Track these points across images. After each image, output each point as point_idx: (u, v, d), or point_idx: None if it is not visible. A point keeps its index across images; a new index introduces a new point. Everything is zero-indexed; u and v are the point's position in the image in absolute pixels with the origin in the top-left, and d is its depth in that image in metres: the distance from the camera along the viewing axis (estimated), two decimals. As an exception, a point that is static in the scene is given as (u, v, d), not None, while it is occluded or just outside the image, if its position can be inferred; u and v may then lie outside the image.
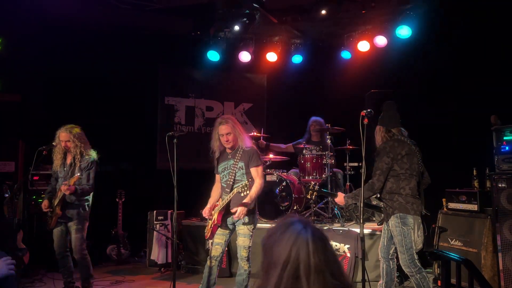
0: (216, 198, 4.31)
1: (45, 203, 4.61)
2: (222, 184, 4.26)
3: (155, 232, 6.10)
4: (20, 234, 5.18)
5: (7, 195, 5.32)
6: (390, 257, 3.97)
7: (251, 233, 4.09)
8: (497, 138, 4.56)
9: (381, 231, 4.93)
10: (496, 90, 5.36)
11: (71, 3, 5.85)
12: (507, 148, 4.45)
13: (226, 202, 4.04)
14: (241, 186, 3.89)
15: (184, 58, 7.42)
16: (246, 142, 4.23)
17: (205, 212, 4.22)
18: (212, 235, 4.15)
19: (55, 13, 6.05)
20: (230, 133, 4.14)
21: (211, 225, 4.17)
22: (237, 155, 4.18)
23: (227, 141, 4.14)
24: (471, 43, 5.76)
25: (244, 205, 3.93)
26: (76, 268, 4.75)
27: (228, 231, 4.17)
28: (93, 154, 4.74)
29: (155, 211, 6.21)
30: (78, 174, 4.48)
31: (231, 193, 4.02)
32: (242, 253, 4.07)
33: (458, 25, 5.89)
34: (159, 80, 7.61)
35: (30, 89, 6.34)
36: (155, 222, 6.15)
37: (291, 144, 6.90)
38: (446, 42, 6.10)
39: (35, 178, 5.89)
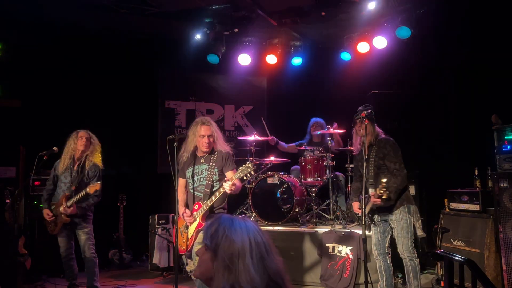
0: (185, 204, 4.13)
1: (47, 212, 4.63)
2: (193, 190, 4.05)
3: (157, 236, 6.09)
4: (22, 240, 5.17)
5: (8, 200, 5.31)
6: (386, 251, 4.23)
7: None
8: (498, 137, 4.56)
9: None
10: (497, 89, 5.35)
11: (70, 8, 5.86)
12: (508, 147, 4.45)
13: (210, 204, 3.87)
14: (241, 170, 3.66)
15: (184, 61, 7.42)
16: (224, 146, 4.07)
17: (189, 219, 3.95)
18: (191, 248, 3.94)
19: (54, 18, 6.07)
20: (211, 136, 3.97)
21: (192, 233, 3.95)
22: (212, 160, 3.99)
23: (207, 143, 3.94)
24: (471, 42, 5.76)
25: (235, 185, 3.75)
26: (81, 273, 4.77)
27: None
28: (98, 161, 4.77)
29: (156, 215, 6.20)
30: (99, 182, 4.48)
31: (217, 193, 3.82)
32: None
33: (457, 24, 5.89)
34: (159, 84, 7.62)
35: (30, 94, 6.36)
36: (156, 226, 6.15)
37: (293, 144, 6.91)
38: (446, 42, 6.10)
39: (36, 183, 5.89)
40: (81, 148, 4.70)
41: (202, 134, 3.95)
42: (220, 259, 1.55)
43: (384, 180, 3.77)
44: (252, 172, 3.62)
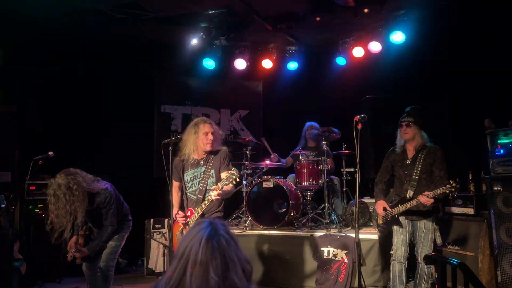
0: (179, 206, 4.08)
1: (73, 239, 4.01)
2: (190, 194, 4.01)
3: (152, 241, 6.09)
4: (17, 245, 5.15)
5: (3, 205, 5.30)
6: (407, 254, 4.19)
7: None
8: (491, 141, 4.59)
9: (378, 236, 4.97)
10: (490, 93, 5.39)
11: (68, 13, 5.87)
12: (501, 151, 4.47)
13: (201, 212, 3.83)
14: (226, 177, 3.56)
15: (180, 66, 7.45)
16: (219, 146, 3.99)
17: (182, 219, 3.88)
18: None
19: (51, 23, 6.08)
20: (214, 133, 3.88)
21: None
22: (209, 161, 3.91)
23: (211, 140, 3.83)
24: (465, 47, 5.81)
25: (222, 191, 3.67)
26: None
27: None
28: (103, 191, 3.96)
29: (152, 220, 6.20)
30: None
31: (206, 200, 3.78)
32: None
33: (451, 29, 5.93)
34: (155, 88, 7.64)
35: (26, 99, 6.36)
36: (152, 231, 6.15)
37: (289, 156, 6.83)
38: (440, 47, 6.15)
39: (32, 188, 5.87)
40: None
41: (206, 131, 3.84)
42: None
43: (452, 181, 3.71)
44: (237, 179, 3.54)
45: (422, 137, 4.18)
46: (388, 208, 4.17)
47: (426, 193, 3.87)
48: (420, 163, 4.12)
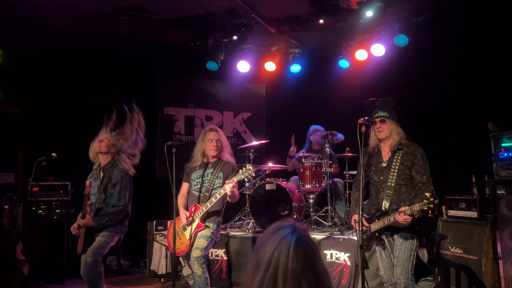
0: (186, 207, 4.22)
1: (74, 225, 4.12)
2: (195, 192, 4.21)
3: (155, 243, 6.09)
4: (20, 246, 5.16)
5: (6, 206, 5.31)
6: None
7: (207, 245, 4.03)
8: (495, 144, 4.58)
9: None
10: (494, 97, 5.38)
11: (71, 15, 5.89)
12: (505, 154, 4.46)
13: (209, 206, 4.00)
14: (241, 172, 3.84)
15: (183, 68, 7.46)
16: (230, 158, 4.32)
17: (187, 221, 4.07)
18: (189, 249, 4.03)
19: (54, 25, 6.10)
20: (219, 140, 4.24)
21: (191, 234, 4.04)
22: (218, 166, 4.23)
23: (216, 146, 4.20)
24: (468, 50, 5.79)
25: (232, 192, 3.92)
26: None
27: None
28: (125, 166, 4.29)
29: (154, 221, 6.20)
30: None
31: (213, 197, 3.97)
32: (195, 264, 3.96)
33: (455, 32, 5.93)
34: (158, 90, 7.65)
35: (29, 100, 6.38)
36: (155, 233, 6.14)
37: (295, 160, 6.82)
38: (443, 50, 6.14)
39: (35, 189, 5.89)
40: (98, 150, 4.32)
41: (210, 138, 4.24)
42: (252, 261, 1.49)
43: (429, 195, 3.13)
44: (253, 174, 3.85)
45: (399, 133, 3.58)
46: (365, 222, 3.54)
47: (403, 209, 3.30)
48: (397, 167, 3.51)
